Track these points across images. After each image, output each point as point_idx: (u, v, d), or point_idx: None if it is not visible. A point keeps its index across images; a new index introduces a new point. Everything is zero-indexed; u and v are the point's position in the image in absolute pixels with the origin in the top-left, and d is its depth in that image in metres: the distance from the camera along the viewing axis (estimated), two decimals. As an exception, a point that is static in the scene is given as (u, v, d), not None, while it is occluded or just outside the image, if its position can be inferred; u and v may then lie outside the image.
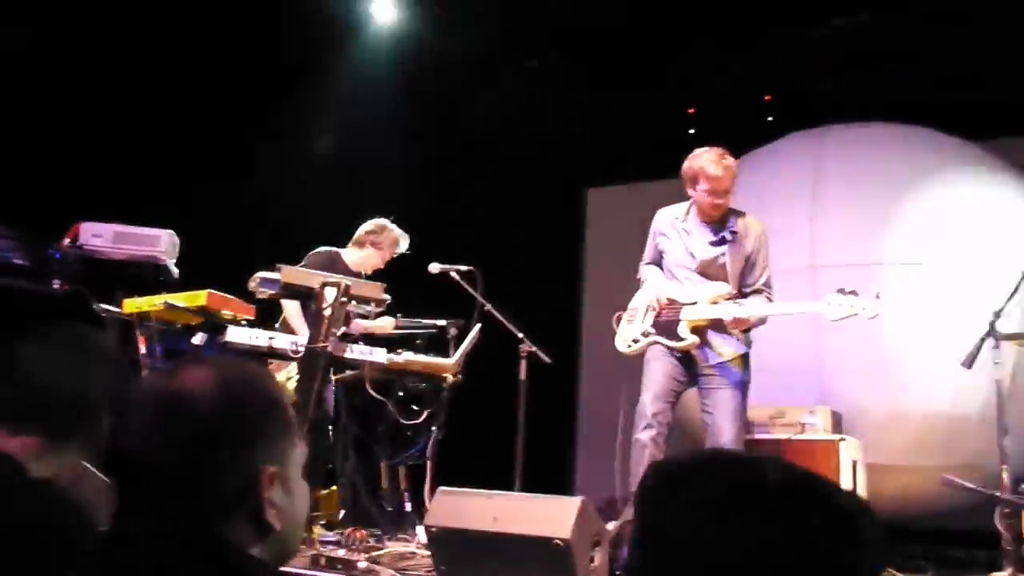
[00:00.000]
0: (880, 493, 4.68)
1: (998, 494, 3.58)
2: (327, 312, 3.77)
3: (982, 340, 3.86)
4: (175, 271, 4.21)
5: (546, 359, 4.58)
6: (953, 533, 5.15)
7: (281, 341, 3.92)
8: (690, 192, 4.13)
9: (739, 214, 4.17)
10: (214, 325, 3.89)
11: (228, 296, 4.06)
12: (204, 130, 6.23)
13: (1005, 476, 3.65)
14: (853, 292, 3.79)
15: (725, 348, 4.06)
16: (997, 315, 3.85)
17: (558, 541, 2.95)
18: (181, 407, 1.10)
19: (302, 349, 3.83)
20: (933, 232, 5.59)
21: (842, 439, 4.53)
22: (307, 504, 1.20)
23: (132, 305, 4.03)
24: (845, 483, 4.32)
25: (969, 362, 3.94)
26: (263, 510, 1.10)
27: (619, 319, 4.32)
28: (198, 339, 3.88)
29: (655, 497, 0.92)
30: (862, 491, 4.37)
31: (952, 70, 6.24)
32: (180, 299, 3.95)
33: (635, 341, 4.20)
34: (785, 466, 0.93)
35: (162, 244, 4.20)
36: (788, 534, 0.85)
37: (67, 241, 4.06)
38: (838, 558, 0.87)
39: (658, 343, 4.13)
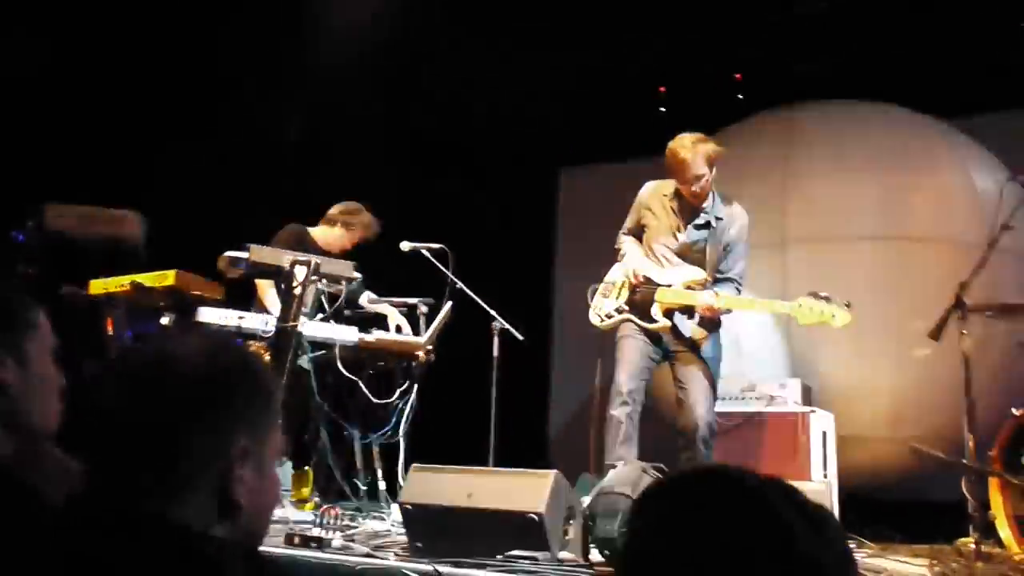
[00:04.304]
0: (850, 464, 4.74)
1: (964, 462, 3.64)
2: (297, 291, 3.74)
3: (948, 312, 3.90)
4: (142, 251, 4.15)
5: (519, 336, 4.58)
6: (921, 502, 5.23)
7: (251, 321, 3.88)
8: (673, 175, 4.13)
9: (726, 200, 4.17)
10: (183, 305, 3.84)
11: (197, 276, 4.01)
12: (171, 109, 6.15)
13: (971, 445, 3.70)
14: (826, 297, 3.80)
15: (695, 327, 4.09)
16: (963, 287, 3.89)
17: (532, 515, 2.96)
18: (163, 369, 1.08)
19: (273, 328, 3.80)
20: (902, 208, 5.65)
21: (812, 411, 4.58)
22: (279, 488, 1.17)
23: (99, 286, 3.98)
24: (816, 455, 4.38)
25: (937, 334, 3.99)
26: (232, 486, 1.07)
27: (594, 292, 4.33)
28: (167, 319, 3.83)
29: (643, 513, 0.95)
30: (832, 462, 4.43)
31: (922, 49, 6.31)
32: (147, 279, 3.90)
33: (608, 316, 4.22)
34: (764, 478, 0.95)
35: (129, 225, 4.14)
36: (764, 537, 0.86)
37: (32, 223, 3.99)
38: (811, 560, 0.88)
39: (631, 321, 4.14)
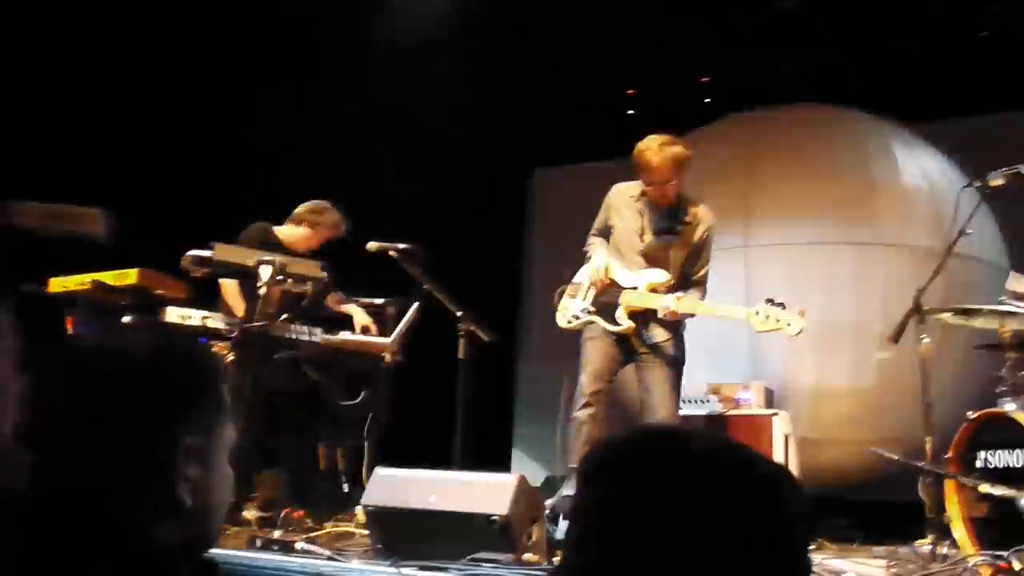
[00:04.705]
0: (811, 466, 4.80)
1: (921, 464, 3.71)
2: (262, 291, 3.72)
3: (907, 316, 3.97)
4: (105, 250, 4.09)
5: (485, 337, 4.58)
6: (880, 503, 5.31)
7: (215, 321, 3.85)
8: (641, 177, 4.16)
9: (693, 203, 4.20)
10: (146, 304, 3.80)
11: (160, 274, 3.97)
12: (134, 104, 6.07)
13: (928, 447, 3.77)
14: (781, 304, 3.83)
15: (659, 330, 4.12)
16: (922, 291, 3.96)
17: (496, 518, 2.97)
18: (107, 366, 1.07)
19: (237, 329, 3.77)
20: (863, 212, 5.74)
21: (775, 414, 4.63)
22: (230, 488, 1.14)
23: (59, 284, 3.92)
24: (778, 456, 4.43)
25: (895, 337, 4.06)
26: (176, 484, 1.05)
27: (562, 293, 4.35)
28: (129, 318, 3.79)
29: (592, 474, 0.95)
30: (793, 464, 4.49)
31: (886, 55, 6.42)
32: (109, 278, 3.85)
33: (576, 317, 4.24)
34: (713, 438, 0.96)
35: (91, 222, 4.08)
36: (717, 503, 0.87)
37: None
38: (768, 525, 0.89)
39: (596, 323, 4.17)
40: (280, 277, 3.75)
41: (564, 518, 3.11)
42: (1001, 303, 3.81)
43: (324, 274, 4.12)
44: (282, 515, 3.59)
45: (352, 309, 4.72)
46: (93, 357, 1.09)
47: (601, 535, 0.90)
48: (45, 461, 1.04)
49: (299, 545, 3.12)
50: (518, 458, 7.60)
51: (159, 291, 3.92)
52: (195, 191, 6.33)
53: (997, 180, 3.91)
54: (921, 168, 5.99)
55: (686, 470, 0.90)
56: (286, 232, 4.87)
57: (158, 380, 1.07)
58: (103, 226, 4.16)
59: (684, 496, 0.88)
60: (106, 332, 3.73)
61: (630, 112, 7.36)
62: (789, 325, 3.80)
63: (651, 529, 0.87)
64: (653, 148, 4.05)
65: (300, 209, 4.92)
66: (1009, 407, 3.52)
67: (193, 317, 3.78)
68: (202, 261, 3.76)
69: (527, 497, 3.10)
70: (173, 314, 3.74)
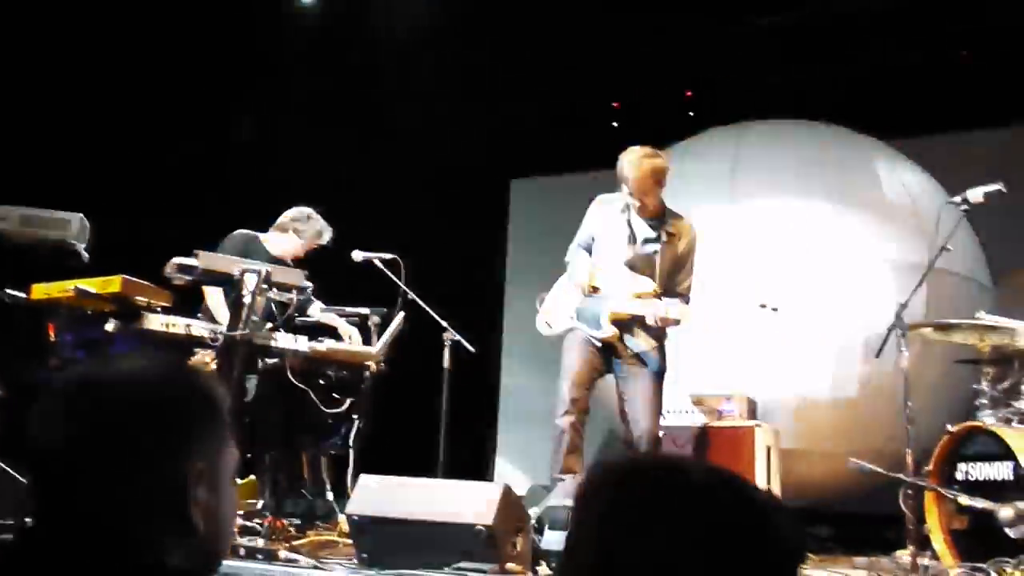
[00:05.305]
0: (793, 477, 4.84)
1: (902, 476, 3.74)
2: (246, 299, 3.70)
3: (890, 330, 4.01)
4: (86, 256, 4.06)
5: (469, 347, 4.59)
6: (861, 515, 5.35)
7: (199, 328, 3.83)
8: (622, 188, 4.19)
9: (676, 215, 4.24)
10: (128, 312, 3.76)
11: (143, 282, 3.94)
12: (117, 110, 6.04)
13: (909, 460, 3.80)
14: (775, 308, 3.89)
15: (643, 339, 4.14)
16: (903, 306, 4.01)
17: (481, 527, 2.97)
18: (106, 393, 1.06)
19: (221, 337, 3.75)
20: (846, 227, 5.79)
21: (758, 425, 4.66)
22: (235, 508, 1.16)
23: (41, 291, 3.88)
24: (760, 468, 4.46)
25: (877, 351, 4.10)
26: (188, 508, 1.05)
27: (543, 300, 4.37)
28: (111, 326, 3.75)
29: (587, 500, 0.96)
30: (775, 475, 4.51)
31: (867, 72, 6.51)
32: (92, 285, 3.80)
33: (557, 324, 4.26)
34: (708, 468, 0.97)
35: (72, 228, 4.04)
36: (710, 532, 0.89)
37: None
38: (759, 554, 0.90)
39: (578, 330, 4.18)
40: (265, 286, 3.74)
41: (550, 528, 3.11)
42: (979, 318, 3.87)
43: (309, 283, 4.11)
44: (265, 524, 3.56)
45: (336, 319, 4.70)
46: (106, 382, 1.08)
47: (596, 563, 0.91)
48: (59, 487, 1.04)
49: (282, 554, 3.10)
50: (502, 467, 7.60)
51: (142, 299, 3.89)
52: (178, 198, 6.30)
53: (977, 197, 3.97)
54: (903, 183, 6.05)
55: (681, 497, 0.92)
56: (272, 240, 4.85)
57: (170, 405, 1.08)
58: (84, 232, 4.13)
59: (677, 523, 0.89)
60: (89, 341, 3.71)
61: (613, 124, 7.41)
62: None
63: (649, 560, 0.89)
64: (634, 161, 4.10)
65: (284, 217, 4.90)
66: (988, 420, 3.57)
67: (177, 325, 3.76)
68: (186, 269, 3.73)
69: (512, 507, 3.11)
70: (156, 322, 3.71)
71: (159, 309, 3.86)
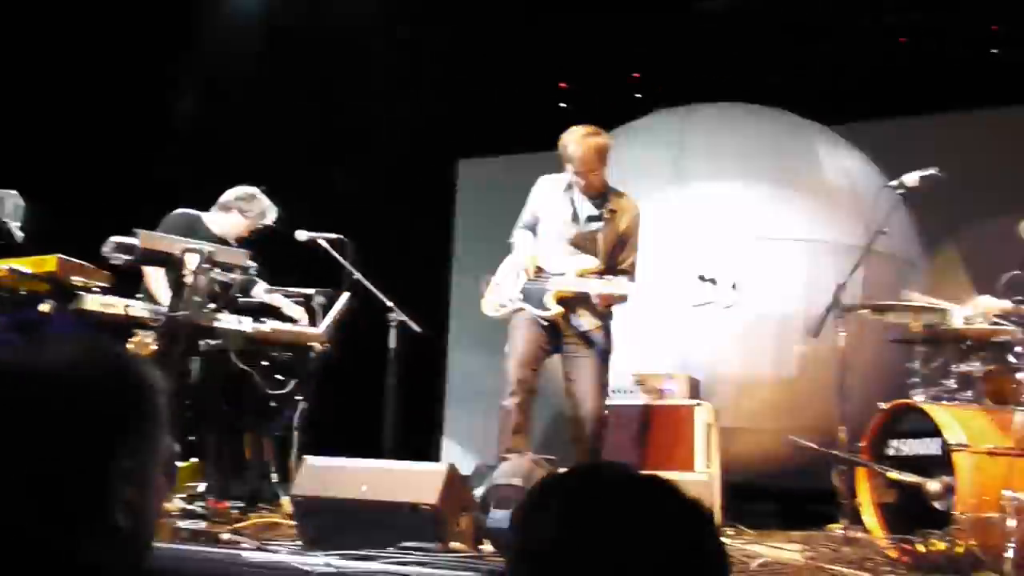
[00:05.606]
0: (734, 454, 4.94)
1: (836, 453, 3.85)
2: (188, 280, 3.65)
3: (827, 310, 4.11)
4: (20, 235, 3.96)
5: (416, 328, 4.59)
6: (797, 490, 5.50)
7: (139, 309, 3.77)
8: (566, 167, 4.21)
9: (618, 193, 4.27)
10: (64, 292, 3.68)
11: (80, 262, 3.85)
12: (56, 85, 5.88)
13: (843, 436, 3.92)
14: (712, 280, 3.93)
15: (587, 318, 4.18)
16: (841, 287, 4.11)
17: (426, 507, 2.99)
18: (21, 391, 0.96)
19: (162, 318, 3.70)
20: (786, 209, 5.90)
21: (698, 404, 4.74)
22: (163, 499, 1.10)
23: (-28, 271, 3.78)
24: (699, 445, 4.54)
25: (816, 331, 4.20)
26: (111, 509, 0.97)
27: (487, 283, 4.38)
28: (46, 307, 3.67)
29: (525, 515, 0.99)
30: (715, 452, 4.60)
31: (811, 57, 6.63)
32: (26, 264, 3.72)
33: (502, 306, 4.28)
34: (628, 471, 1.01)
35: (6, 206, 3.94)
36: (637, 533, 0.92)
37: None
38: (691, 555, 0.94)
39: (524, 310, 4.21)
40: (207, 265, 3.69)
41: (495, 507, 3.14)
42: (908, 299, 3.99)
43: (252, 263, 4.06)
44: (208, 506, 3.54)
45: (280, 300, 4.66)
46: (25, 375, 0.98)
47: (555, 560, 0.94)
48: None
49: (225, 536, 3.09)
50: (449, 447, 7.62)
51: (79, 279, 3.80)
52: (118, 176, 6.17)
53: (913, 181, 4.08)
54: (842, 167, 6.18)
55: (603, 501, 0.95)
56: (215, 219, 4.76)
57: (95, 403, 0.98)
58: (18, 211, 4.03)
59: (600, 527, 0.93)
60: (23, 323, 3.62)
61: (561, 105, 7.43)
62: (722, 298, 3.90)
63: (577, 564, 0.92)
64: (577, 139, 4.13)
65: (228, 196, 4.80)
66: (919, 398, 3.68)
67: (116, 305, 3.69)
68: (125, 248, 3.66)
69: (457, 486, 3.13)
70: (94, 302, 3.64)
71: (97, 290, 3.78)
